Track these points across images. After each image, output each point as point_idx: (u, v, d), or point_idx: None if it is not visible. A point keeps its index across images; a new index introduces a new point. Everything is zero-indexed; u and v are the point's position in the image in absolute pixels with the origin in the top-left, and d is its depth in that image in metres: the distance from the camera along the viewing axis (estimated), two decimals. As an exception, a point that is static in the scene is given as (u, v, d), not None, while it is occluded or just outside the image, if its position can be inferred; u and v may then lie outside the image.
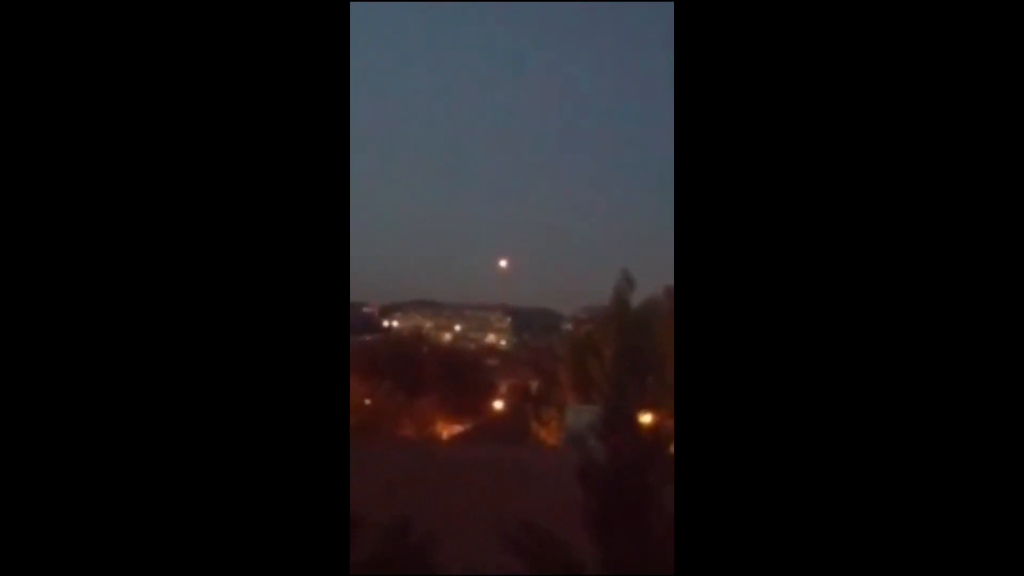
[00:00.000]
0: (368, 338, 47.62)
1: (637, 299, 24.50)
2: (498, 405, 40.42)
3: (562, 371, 29.87)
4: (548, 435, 26.58)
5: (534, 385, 39.80)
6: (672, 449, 6.57)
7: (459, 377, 38.26)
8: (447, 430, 33.66)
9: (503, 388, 43.22)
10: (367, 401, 27.15)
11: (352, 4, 3.14)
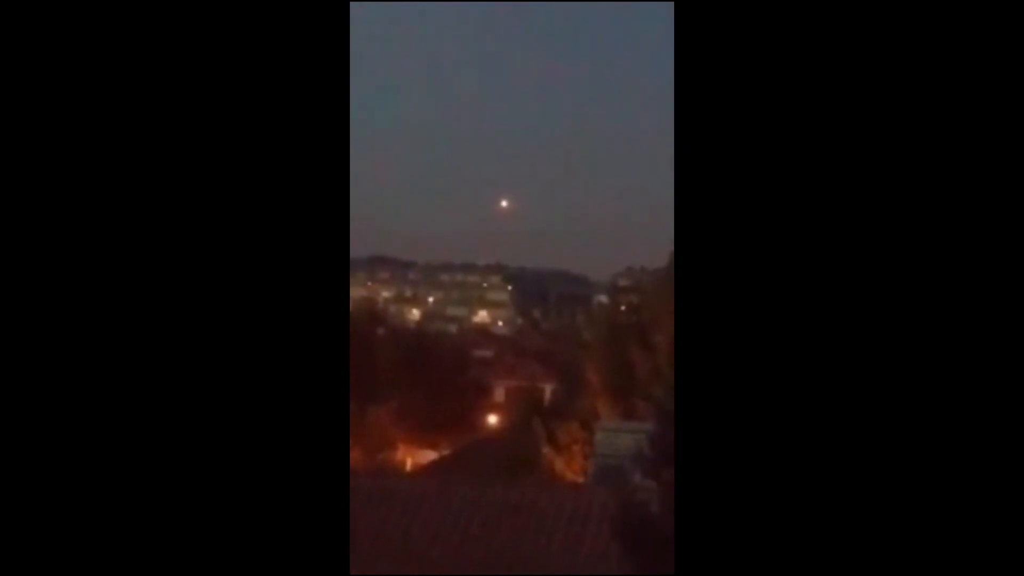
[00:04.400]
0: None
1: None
2: (492, 419, 30.05)
3: (591, 367, 20.31)
4: (568, 466, 18.36)
5: (547, 389, 29.13)
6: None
7: (432, 375, 26.96)
8: (412, 456, 25.20)
9: (500, 393, 32.10)
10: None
11: (352, 4, 3.15)
